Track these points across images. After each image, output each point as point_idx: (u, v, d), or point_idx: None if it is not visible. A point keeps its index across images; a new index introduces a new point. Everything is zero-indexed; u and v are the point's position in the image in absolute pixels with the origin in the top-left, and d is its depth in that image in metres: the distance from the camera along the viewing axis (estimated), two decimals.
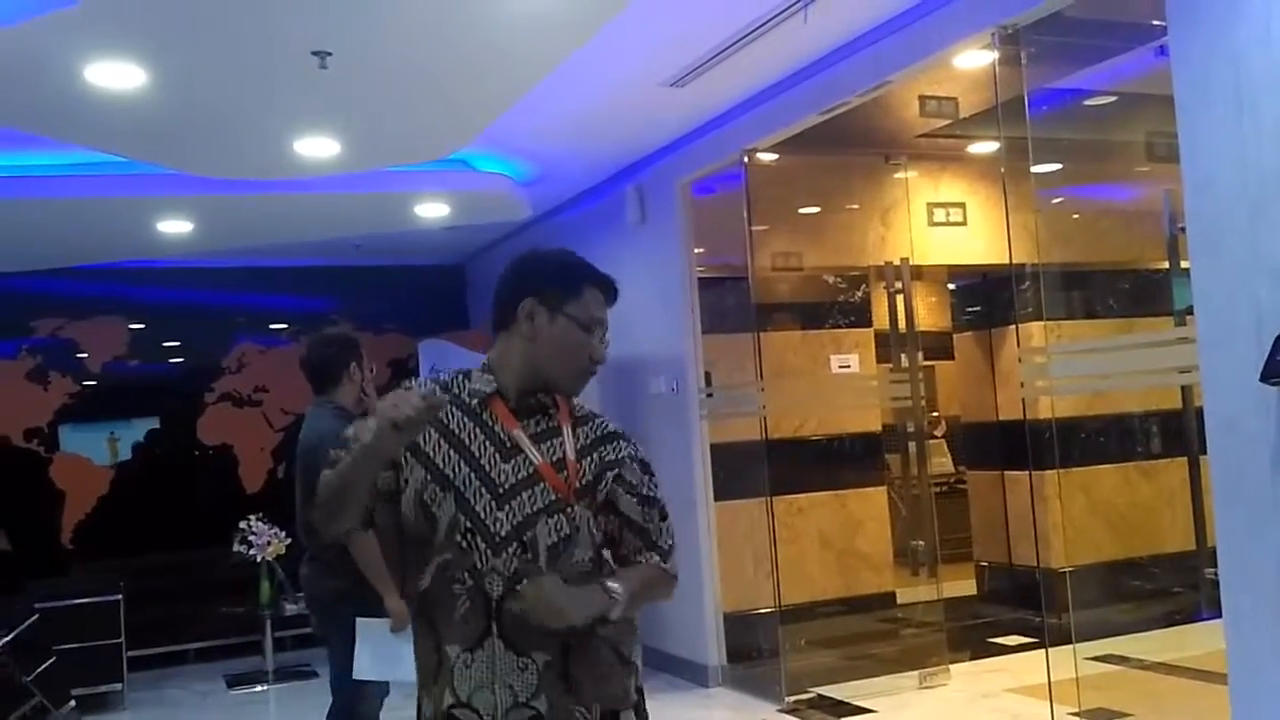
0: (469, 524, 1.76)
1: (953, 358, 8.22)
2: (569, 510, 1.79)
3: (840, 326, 6.84)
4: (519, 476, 1.79)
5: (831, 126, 5.22)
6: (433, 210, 7.01)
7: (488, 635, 1.73)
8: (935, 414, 9.16)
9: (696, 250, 6.33)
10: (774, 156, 5.88)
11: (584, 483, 1.83)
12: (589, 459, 1.85)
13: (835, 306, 6.92)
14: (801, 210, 6.83)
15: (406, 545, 1.83)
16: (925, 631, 6.25)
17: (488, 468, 1.79)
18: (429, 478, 1.79)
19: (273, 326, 8.99)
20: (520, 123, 5.35)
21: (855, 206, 6.86)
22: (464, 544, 1.75)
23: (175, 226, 6.88)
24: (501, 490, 1.78)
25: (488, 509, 1.76)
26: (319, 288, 9.04)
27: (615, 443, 1.90)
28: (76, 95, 4.32)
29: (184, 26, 3.82)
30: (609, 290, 1.90)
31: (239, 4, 3.63)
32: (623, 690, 1.84)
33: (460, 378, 1.89)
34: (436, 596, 1.77)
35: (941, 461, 8.98)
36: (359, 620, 3.73)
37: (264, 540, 6.77)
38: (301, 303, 9.13)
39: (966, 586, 7.57)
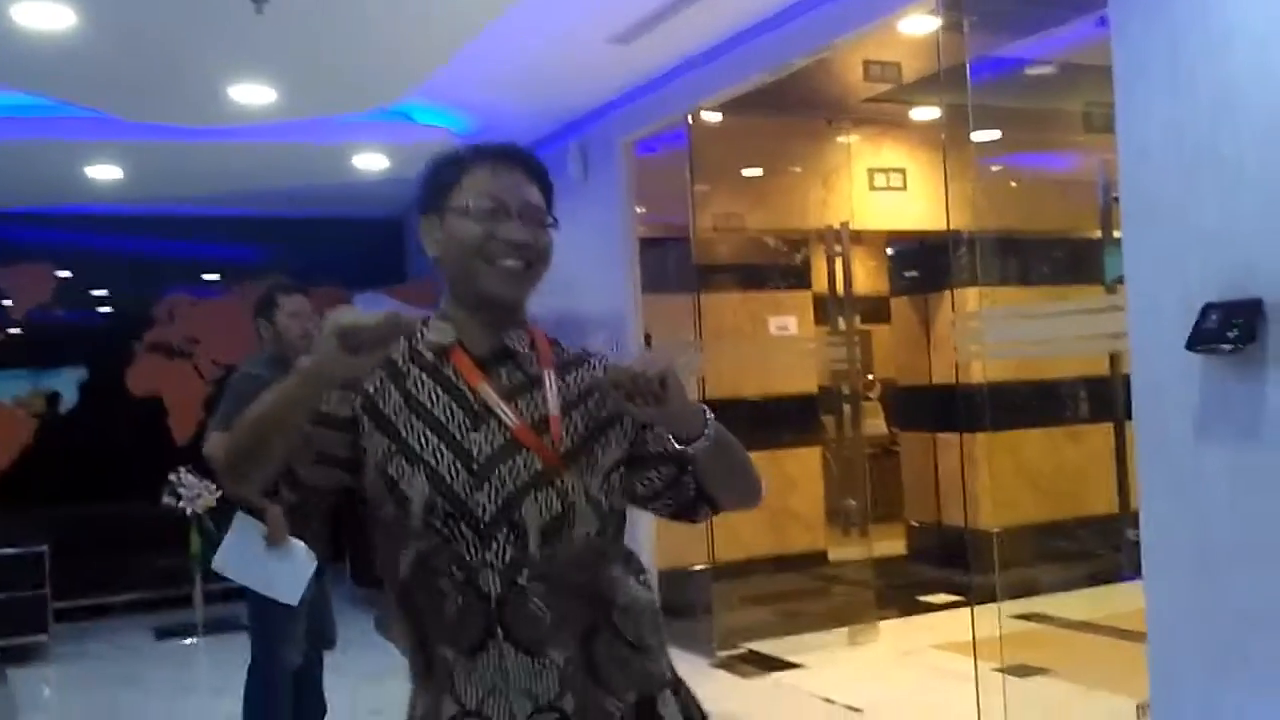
0: (447, 507, 1.43)
1: (889, 321, 8.32)
2: (558, 481, 1.46)
3: (780, 289, 6.89)
4: (495, 445, 1.46)
5: (776, 89, 5.22)
6: (371, 162, 6.90)
7: (490, 638, 1.44)
8: (870, 377, 9.28)
9: (639, 209, 6.31)
10: (718, 117, 5.87)
11: (575, 442, 1.50)
12: (579, 410, 1.52)
13: (775, 269, 6.97)
14: (744, 172, 6.85)
15: (373, 527, 1.52)
16: (855, 589, 6.37)
17: (458, 436, 1.46)
18: (393, 447, 1.46)
19: (205, 277, 8.81)
20: (462, 74, 5.27)
21: (798, 169, 6.89)
22: (445, 531, 1.44)
23: (105, 173, 6.69)
24: (476, 465, 1.45)
25: (466, 488, 1.44)
26: (253, 238, 8.86)
27: None
28: (2, 35, 4.17)
29: None
30: (499, 159, 1.52)
31: None
32: (659, 670, 1.57)
33: (419, 326, 1.54)
34: (418, 590, 1.47)
35: (875, 423, 9.11)
36: (239, 514, 3.71)
37: (194, 493, 6.69)
38: (234, 252, 8.94)
39: (897, 546, 7.72)
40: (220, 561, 3.75)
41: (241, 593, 3.84)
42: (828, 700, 4.85)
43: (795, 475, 6.78)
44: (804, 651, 5.63)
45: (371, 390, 1.49)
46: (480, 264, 1.49)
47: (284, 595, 3.66)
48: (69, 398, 8.27)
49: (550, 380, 1.52)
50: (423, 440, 1.46)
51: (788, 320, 6.80)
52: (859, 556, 6.57)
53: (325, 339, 1.30)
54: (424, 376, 1.50)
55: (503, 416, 1.47)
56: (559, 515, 1.46)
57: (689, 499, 1.59)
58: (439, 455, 1.45)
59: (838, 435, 7.79)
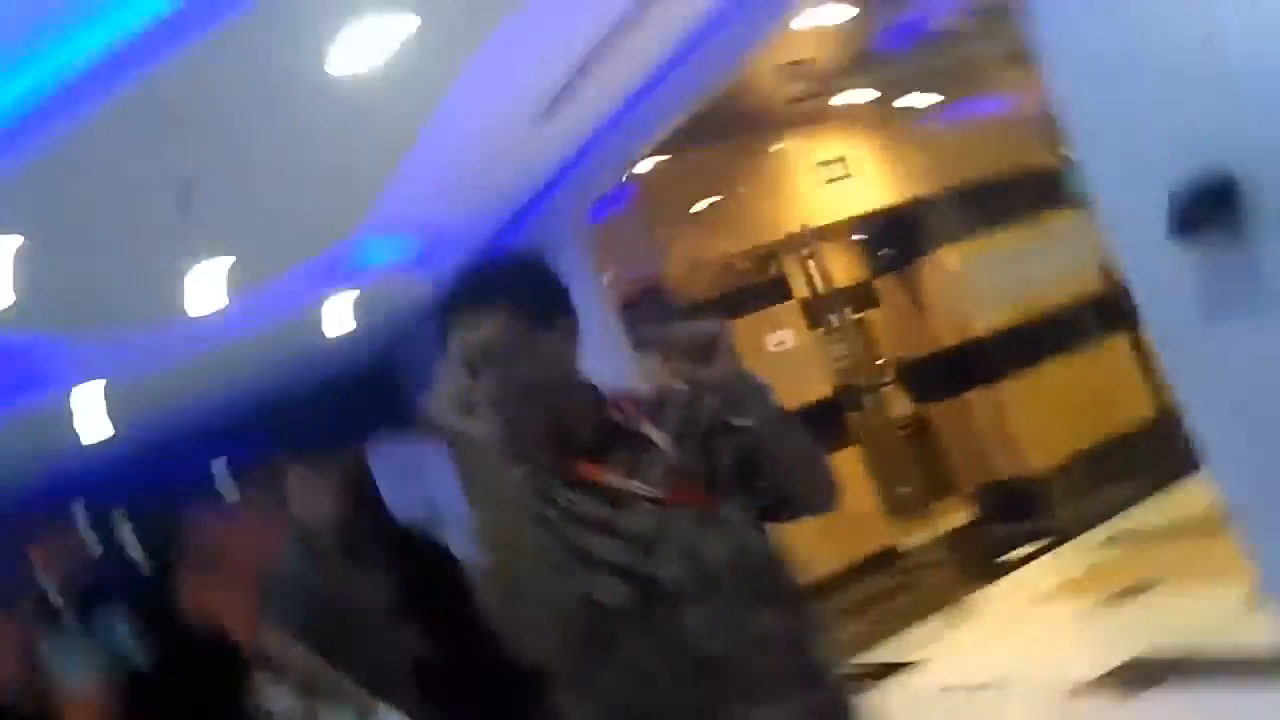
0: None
1: (879, 304, 8.32)
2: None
3: (764, 306, 6.89)
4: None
5: (704, 118, 5.27)
6: (340, 320, 6.93)
7: None
8: (880, 361, 9.26)
9: (607, 274, 6.32)
10: (655, 161, 5.92)
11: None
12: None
13: (754, 289, 6.97)
14: (696, 207, 6.88)
15: None
16: (935, 572, 6.30)
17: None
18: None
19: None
20: (401, 195, 5.31)
21: (744, 189, 6.93)
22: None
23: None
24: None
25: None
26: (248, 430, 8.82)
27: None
28: None
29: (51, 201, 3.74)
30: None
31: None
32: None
33: None
34: None
35: (900, 403, 9.07)
36: None
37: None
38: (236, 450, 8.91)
39: (961, 517, 7.64)
40: None
41: None
42: (948, 690, 4.77)
43: (840, 480, 6.71)
44: (908, 650, 5.54)
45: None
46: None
47: None
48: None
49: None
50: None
51: (783, 335, 6.80)
52: (928, 539, 6.51)
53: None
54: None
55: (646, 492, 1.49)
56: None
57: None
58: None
59: (868, 428, 7.74)
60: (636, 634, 1.45)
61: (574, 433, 1.55)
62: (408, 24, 3.57)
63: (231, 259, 5.11)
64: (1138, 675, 3.88)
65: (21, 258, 4.20)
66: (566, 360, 1.59)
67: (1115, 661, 4.01)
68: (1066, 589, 4.31)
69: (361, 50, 3.59)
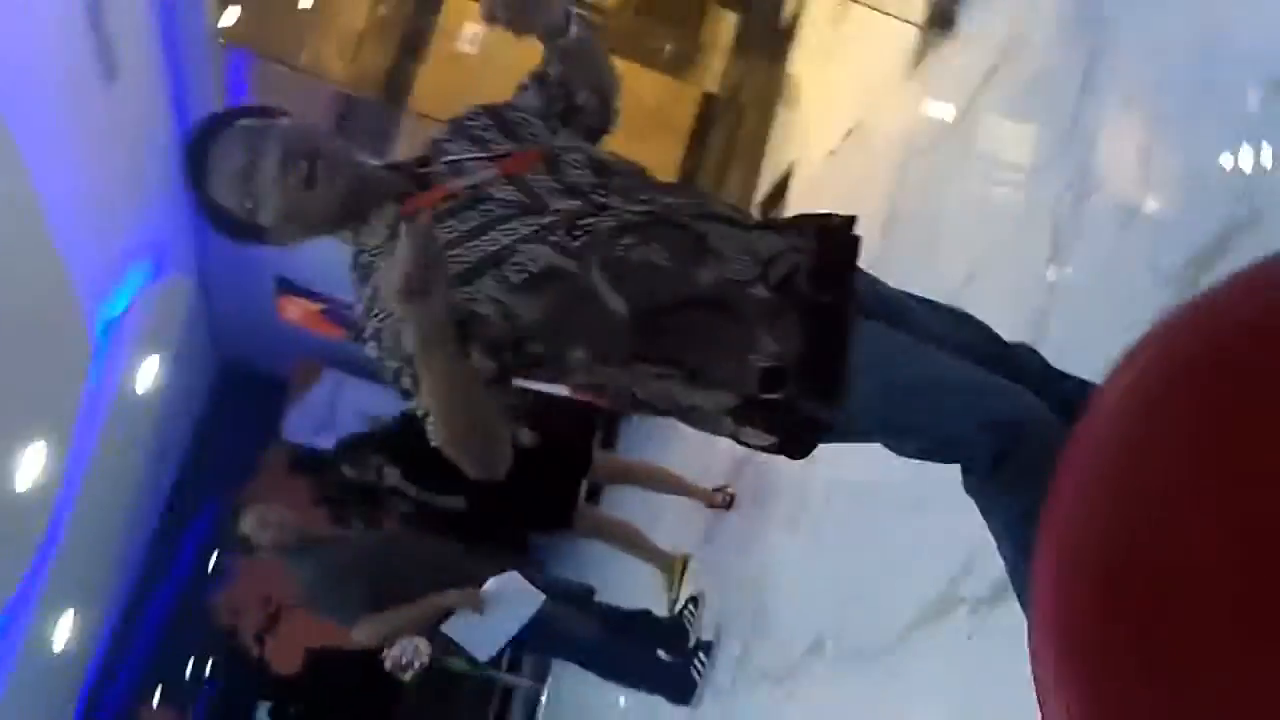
0: (565, 233, 1.60)
1: None
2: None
3: None
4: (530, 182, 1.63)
5: None
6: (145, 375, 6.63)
7: (701, 248, 1.60)
8: None
9: None
10: None
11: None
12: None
13: None
14: None
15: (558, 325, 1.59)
16: (751, 77, 6.27)
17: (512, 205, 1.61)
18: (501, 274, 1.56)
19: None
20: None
21: None
22: (580, 239, 1.59)
23: None
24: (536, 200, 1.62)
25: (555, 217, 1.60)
26: None
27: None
28: None
29: None
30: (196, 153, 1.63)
31: None
32: None
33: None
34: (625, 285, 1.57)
35: None
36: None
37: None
38: None
39: (728, 24, 7.54)
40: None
41: None
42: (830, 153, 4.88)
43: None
44: (782, 163, 5.63)
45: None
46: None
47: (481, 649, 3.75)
48: None
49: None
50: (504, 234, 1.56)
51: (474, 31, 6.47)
52: (724, 65, 6.45)
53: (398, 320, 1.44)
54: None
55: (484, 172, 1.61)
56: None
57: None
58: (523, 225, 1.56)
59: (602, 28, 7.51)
60: (597, 261, 1.54)
61: (385, 191, 1.63)
62: None
63: None
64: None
65: None
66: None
67: None
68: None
69: None
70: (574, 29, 1.66)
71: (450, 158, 1.67)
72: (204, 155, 1.61)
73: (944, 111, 3.82)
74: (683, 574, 4.45)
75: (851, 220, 1.73)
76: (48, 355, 5.19)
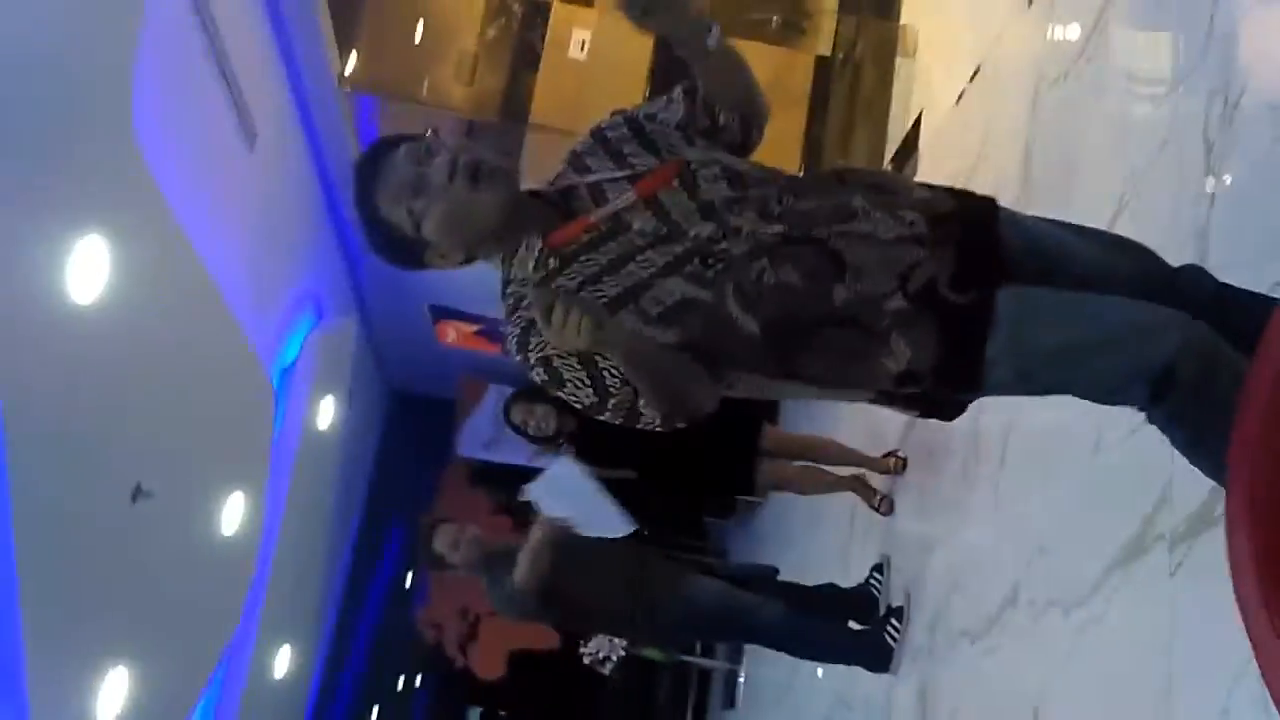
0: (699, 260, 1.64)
1: None
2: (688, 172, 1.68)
3: None
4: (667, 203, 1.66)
5: None
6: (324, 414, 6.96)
7: (837, 269, 1.61)
8: None
9: None
10: None
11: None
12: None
13: None
14: None
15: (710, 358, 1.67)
16: (865, 33, 6.15)
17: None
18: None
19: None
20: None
21: None
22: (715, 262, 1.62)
23: None
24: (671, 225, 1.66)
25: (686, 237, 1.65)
26: None
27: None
28: None
29: None
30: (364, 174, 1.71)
31: None
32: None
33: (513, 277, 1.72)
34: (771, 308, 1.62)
35: None
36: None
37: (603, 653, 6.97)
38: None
39: None
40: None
41: None
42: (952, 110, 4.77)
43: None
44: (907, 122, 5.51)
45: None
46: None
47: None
48: None
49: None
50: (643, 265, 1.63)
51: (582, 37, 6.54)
52: (832, 29, 6.36)
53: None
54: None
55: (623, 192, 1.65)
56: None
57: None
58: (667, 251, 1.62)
59: None
60: (732, 287, 1.58)
61: (534, 219, 1.68)
62: None
63: None
64: None
65: None
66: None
67: None
68: None
69: None
70: (713, 38, 1.66)
71: (591, 178, 1.70)
72: (372, 174, 1.68)
73: (1071, 34, 3.68)
74: (903, 469, 4.34)
75: (992, 205, 1.73)
76: (235, 411, 5.53)
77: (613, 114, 1.81)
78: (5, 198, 3.24)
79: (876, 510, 4.35)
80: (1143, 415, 1.63)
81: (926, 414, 1.72)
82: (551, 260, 1.66)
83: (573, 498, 3.66)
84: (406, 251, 1.71)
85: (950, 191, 1.74)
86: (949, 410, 1.70)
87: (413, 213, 1.64)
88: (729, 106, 1.75)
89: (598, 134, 1.77)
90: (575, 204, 1.69)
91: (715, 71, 1.72)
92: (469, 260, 1.73)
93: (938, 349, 1.57)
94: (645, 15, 1.59)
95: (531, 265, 1.67)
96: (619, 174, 1.68)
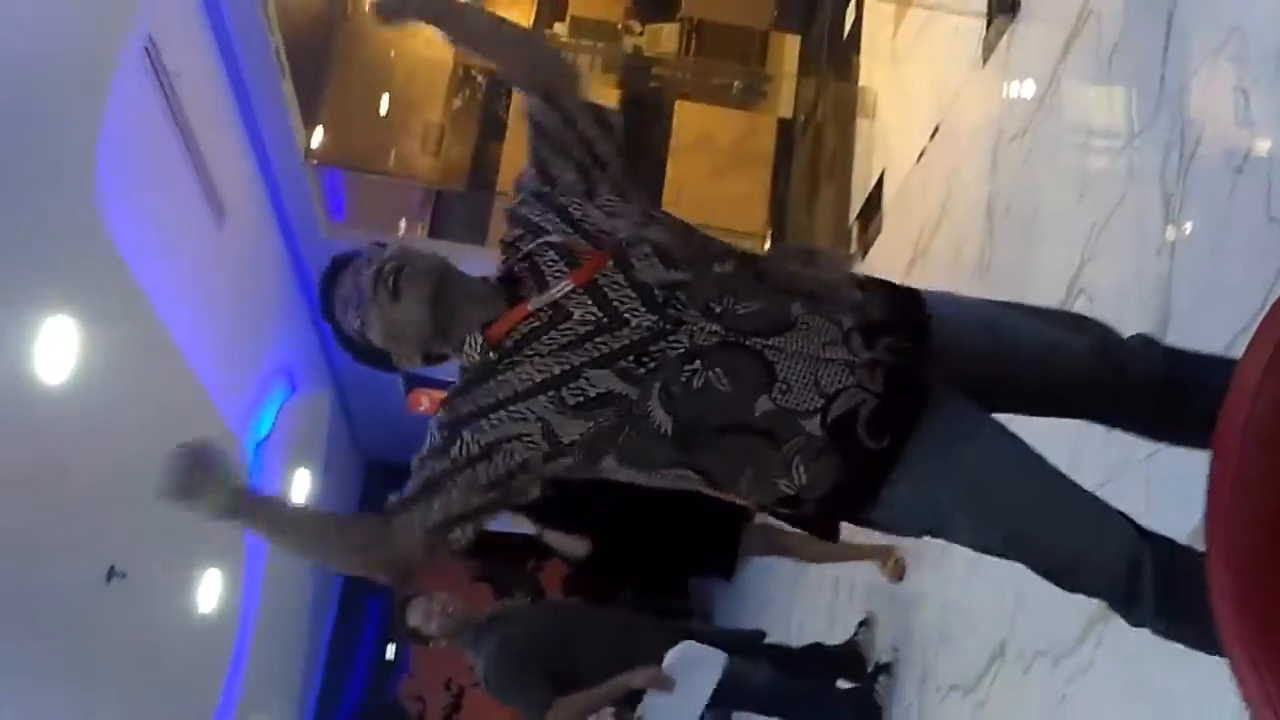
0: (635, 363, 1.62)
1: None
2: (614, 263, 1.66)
3: None
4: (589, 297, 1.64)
5: None
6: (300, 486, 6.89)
7: (768, 378, 1.59)
8: None
9: None
10: None
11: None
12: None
13: None
14: None
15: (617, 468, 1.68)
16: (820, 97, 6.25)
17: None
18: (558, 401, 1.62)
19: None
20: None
21: None
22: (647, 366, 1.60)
23: None
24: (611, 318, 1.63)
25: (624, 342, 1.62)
26: None
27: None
28: None
29: None
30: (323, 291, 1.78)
31: None
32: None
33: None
34: (698, 426, 1.60)
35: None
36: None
37: None
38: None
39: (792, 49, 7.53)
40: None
41: None
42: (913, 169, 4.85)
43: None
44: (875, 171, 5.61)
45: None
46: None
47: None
48: None
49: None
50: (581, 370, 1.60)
51: None
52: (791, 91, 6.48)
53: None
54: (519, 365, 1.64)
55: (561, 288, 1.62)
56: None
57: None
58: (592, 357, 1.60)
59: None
60: (658, 387, 1.57)
61: (472, 312, 1.68)
62: None
63: None
64: None
65: None
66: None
67: None
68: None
69: None
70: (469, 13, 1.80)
71: (527, 253, 1.68)
72: (328, 289, 1.75)
73: (1027, 92, 3.77)
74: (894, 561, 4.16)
75: (923, 314, 1.69)
76: None
77: (521, 195, 1.79)
78: None
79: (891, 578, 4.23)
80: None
81: (798, 526, 1.74)
82: (491, 353, 1.64)
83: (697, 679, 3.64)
84: (374, 358, 1.76)
85: (883, 293, 1.70)
86: (822, 530, 1.72)
87: (361, 325, 1.70)
88: (526, 77, 1.78)
89: (526, 199, 1.77)
90: (519, 289, 1.67)
91: (493, 44, 1.83)
92: (430, 360, 1.75)
93: (829, 487, 1.58)
94: (381, 10, 1.71)
95: (476, 357, 1.66)
96: (557, 259, 1.66)
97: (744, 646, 4.15)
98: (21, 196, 3.46)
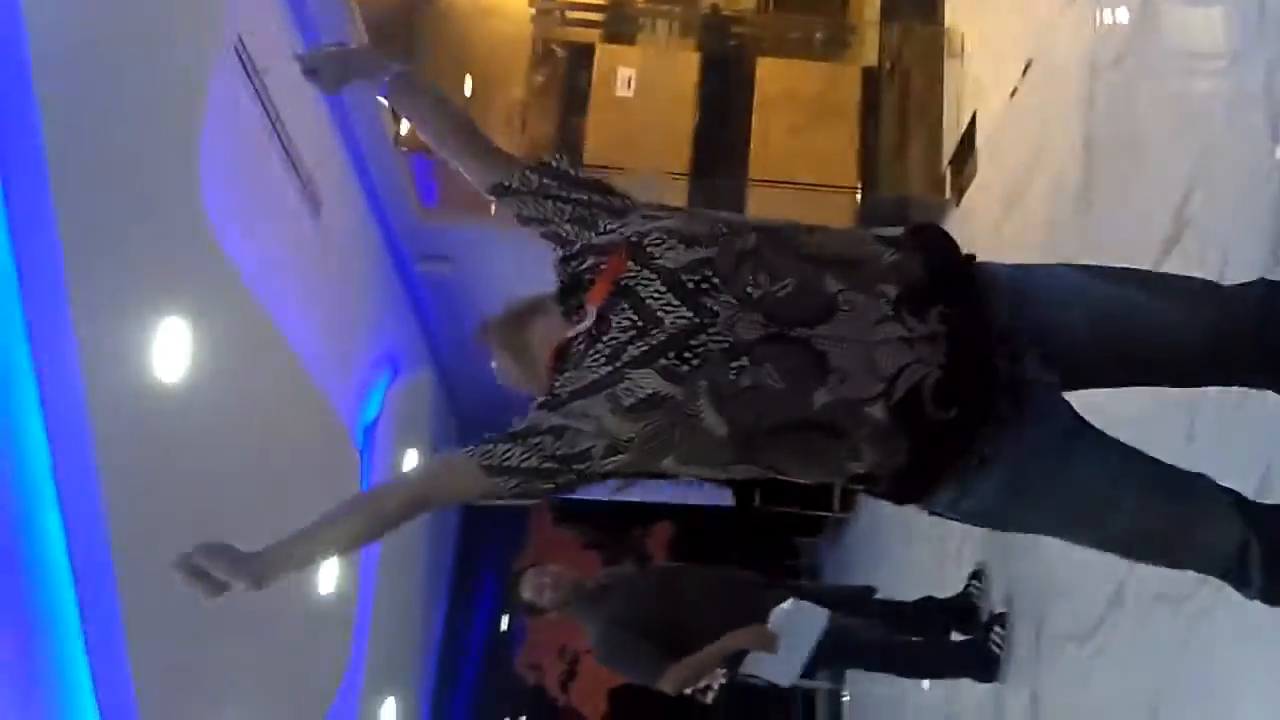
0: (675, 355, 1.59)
1: None
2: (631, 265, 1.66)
3: None
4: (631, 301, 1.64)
5: None
6: (409, 467, 7.04)
7: (819, 371, 1.53)
8: None
9: None
10: None
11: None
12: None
13: None
14: None
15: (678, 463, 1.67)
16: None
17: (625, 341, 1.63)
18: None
19: None
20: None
21: None
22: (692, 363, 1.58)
23: None
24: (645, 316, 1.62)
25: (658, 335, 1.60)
26: None
27: None
28: None
29: None
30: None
31: None
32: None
33: None
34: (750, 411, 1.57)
35: None
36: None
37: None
38: None
39: None
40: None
41: None
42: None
43: None
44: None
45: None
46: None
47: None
48: None
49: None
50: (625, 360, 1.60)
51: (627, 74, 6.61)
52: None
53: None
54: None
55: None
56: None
57: None
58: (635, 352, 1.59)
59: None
60: (705, 386, 1.53)
61: (537, 343, 1.75)
62: None
63: None
64: None
65: None
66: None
67: None
68: None
69: None
70: (394, 71, 1.86)
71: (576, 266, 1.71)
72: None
73: (1121, 18, 3.63)
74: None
75: (958, 258, 1.64)
76: (325, 473, 5.64)
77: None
78: (87, 290, 3.36)
79: None
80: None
81: (876, 497, 1.69)
82: (556, 381, 1.68)
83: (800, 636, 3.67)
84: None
85: (916, 244, 1.61)
86: (900, 498, 1.64)
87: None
88: (447, 144, 1.87)
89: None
90: (573, 298, 1.71)
91: (416, 109, 1.93)
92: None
93: (904, 462, 1.53)
94: (312, 75, 1.85)
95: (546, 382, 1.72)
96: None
97: (854, 603, 4.13)
98: (130, 208, 3.59)
